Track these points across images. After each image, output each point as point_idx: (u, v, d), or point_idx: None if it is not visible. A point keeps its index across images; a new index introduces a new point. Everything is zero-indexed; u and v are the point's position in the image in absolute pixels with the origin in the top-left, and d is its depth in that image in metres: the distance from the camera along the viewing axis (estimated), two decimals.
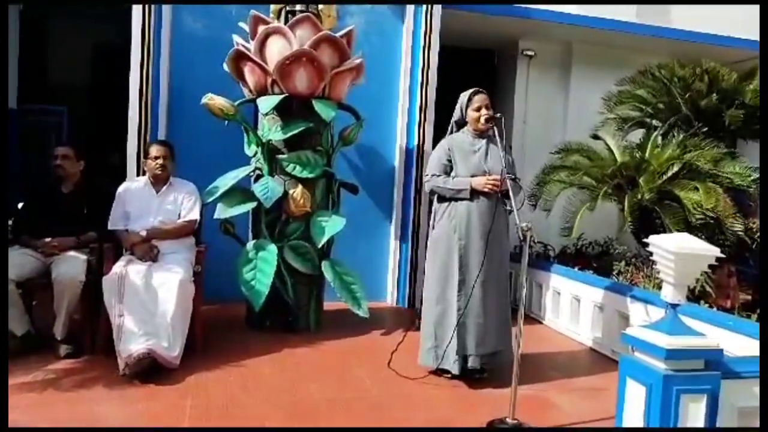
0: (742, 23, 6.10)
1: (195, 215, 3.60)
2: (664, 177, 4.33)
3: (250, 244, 3.87)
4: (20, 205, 3.64)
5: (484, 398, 2.98)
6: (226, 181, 3.85)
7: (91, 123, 6.88)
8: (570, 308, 4.37)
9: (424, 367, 3.24)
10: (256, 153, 4.02)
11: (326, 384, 3.11)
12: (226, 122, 3.87)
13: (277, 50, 3.81)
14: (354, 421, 2.67)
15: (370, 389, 3.08)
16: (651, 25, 6.06)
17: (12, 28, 5.38)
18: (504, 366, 3.13)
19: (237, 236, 4.01)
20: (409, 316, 4.45)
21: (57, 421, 2.47)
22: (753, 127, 4.82)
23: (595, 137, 5.17)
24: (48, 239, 3.36)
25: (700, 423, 2.06)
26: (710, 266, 2.27)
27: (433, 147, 3.50)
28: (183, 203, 3.58)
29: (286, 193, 3.88)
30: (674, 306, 2.17)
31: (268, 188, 3.80)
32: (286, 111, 3.91)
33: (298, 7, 4.00)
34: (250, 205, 3.85)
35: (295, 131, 3.84)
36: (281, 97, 3.82)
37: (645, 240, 2.36)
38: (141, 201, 3.52)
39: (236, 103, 3.87)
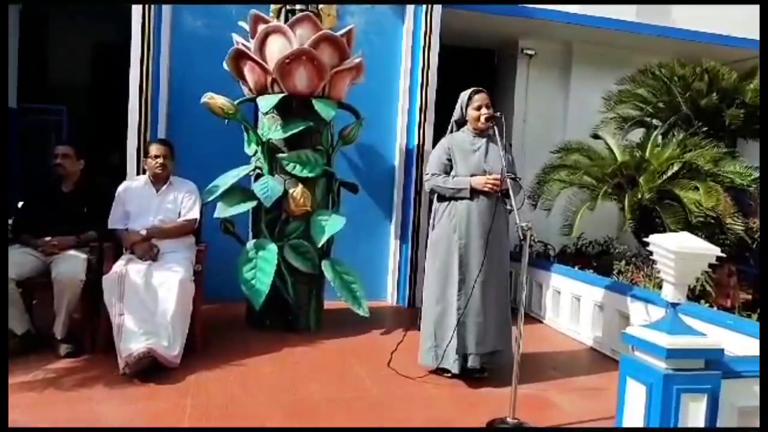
0: (743, 23, 6.10)
1: (195, 214, 3.60)
2: (665, 176, 4.33)
3: (251, 244, 3.87)
4: (20, 204, 3.64)
5: (484, 398, 2.98)
6: (226, 180, 3.85)
7: (91, 122, 6.89)
8: (570, 308, 4.37)
9: (424, 366, 3.24)
10: (256, 152, 4.02)
11: (326, 383, 3.11)
12: (226, 121, 3.87)
13: (277, 49, 3.81)
14: (354, 420, 2.67)
15: (370, 389, 3.08)
16: (651, 25, 6.06)
17: (12, 28, 5.37)
18: (504, 365, 3.13)
19: (237, 235, 4.01)
20: (409, 316, 4.44)
21: (57, 421, 2.47)
22: (753, 126, 4.82)
23: (596, 136, 5.17)
24: (48, 238, 3.36)
25: (701, 422, 2.05)
26: (710, 265, 2.26)
27: (433, 147, 3.50)
28: (183, 202, 3.58)
29: (286, 192, 3.88)
30: (674, 305, 2.17)
31: (268, 187, 3.80)
32: (286, 110, 3.91)
33: (298, 6, 4.00)
34: (250, 205, 3.85)
35: (295, 130, 3.84)
36: (281, 96, 3.81)
37: (645, 239, 2.36)
38: (141, 200, 3.52)
39: (236, 102, 3.87)
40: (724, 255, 2.29)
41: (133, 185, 3.62)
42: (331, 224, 3.87)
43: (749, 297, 4.62)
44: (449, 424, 2.72)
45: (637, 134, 5.18)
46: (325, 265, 3.96)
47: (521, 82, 6.56)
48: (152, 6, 4.38)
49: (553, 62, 6.61)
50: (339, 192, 4.26)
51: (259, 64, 3.85)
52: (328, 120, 3.96)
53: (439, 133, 3.77)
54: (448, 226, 3.18)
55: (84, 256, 3.37)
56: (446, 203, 3.22)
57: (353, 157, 5.03)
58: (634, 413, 2.13)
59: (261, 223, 3.97)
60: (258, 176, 4.01)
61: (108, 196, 3.54)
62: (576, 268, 4.57)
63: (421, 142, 4.98)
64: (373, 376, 3.23)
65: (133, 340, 2.95)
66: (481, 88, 3.28)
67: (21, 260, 3.25)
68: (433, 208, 3.35)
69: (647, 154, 4.57)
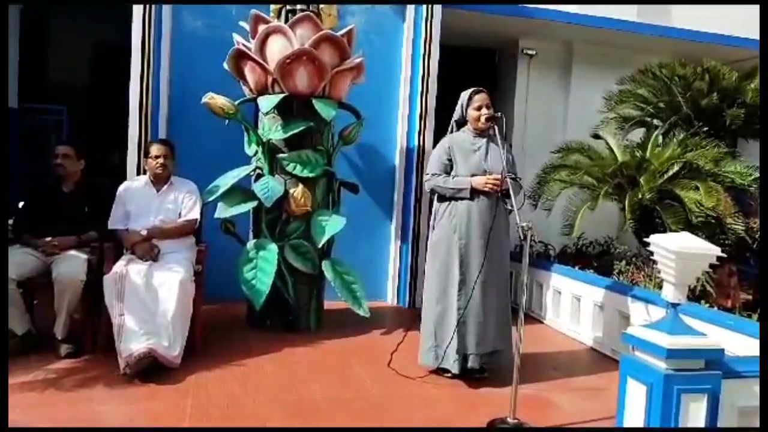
0: (743, 23, 6.09)
1: (195, 214, 3.60)
2: (665, 176, 4.32)
3: (251, 244, 3.87)
4: (21, 205, 3.64)
5: (484, 398, 2.98)
6: (227, 180, 3.85)
7: (91, 122, 6.89)
8: (570, 308, 4.37)
9: (424, 366, 3.24)
10: (256, 152, 4.02)
11: (327, 383, 3.11)
12: (227, 121, 3.87)
13: (277, 49, 3.81)
14: (354, 420, 2.67)
15: (370, 389, 3.08)
16: (652, 25, 6.06)
17: (12, 28, 5.37)
18: (504, 365, 3.13)
19: (237, 235, 4.01)
20: (409, 316, 4.44)
21: (57, 421, 2.47)
22: (754, 126, 4.82)
23: (596, 136, 5.16)
24: (48, 238, 3.36)
25: (701, 423, 2.05)
26: (711, 266, 2.27)
27: (434, 148, 3.49)
28: (183, 202, 3.58)
29: (286, 193, 3.88)
30: (675, 305, 2.17)
31: (269, 187, 3.80)
32: (286, 110, 3.91)
33: (298, 6, 4.00)
34: (250, 205, 3.85)
35: (296, 130, 3.84)
36: (282, 96, 3.81)
37: (646, 239, 2.36)
38: (141, 200, 3.52)
39: (237, 102, 3.87)
40: (724, 255, 2.29)
41: (134, 185, 3.62)
42: (332, 224, 3.87)
43: (749, 297, 4.62)
44: (449, 424, 2.72)
45: (637, 134, 5.18)
46: (326, 266, 3.96)
47: (522, 82, 6.56)
48: (152, 6, 4.38)
49: (554, 62, 6.61)
50: (339, 192, 4.26)
51: (259, 64, 3.85)
52: (328, 120, 3.96)
53: (439, 135, 3.76)
54: (449, 226, 3.18)
55: (84, 256, 3.37)
56: (446, 203, 3.22)
57: (354, 157, 5.03)
58: (635, 413, 2.13)
59: (261, 223, 3.97)
60: (258, 176, 4.01)
61: (108, 196, 3.54)
62: (576, 268, 4.57)
63: (420, 149, 4.97)
64: (373, 376, 3.23)
65: (134, 340, 2.95)
66: (481, 88, 3.28)
67: (21, 260, 3.26)
68: (433, 208, 3.35)
69: (648, 154, 4.57)
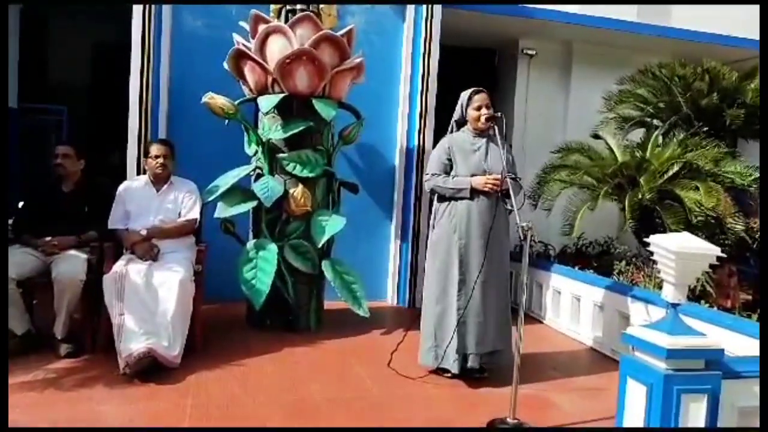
0: (743, 23, 6.09)
1: (195, 214, 3.60)
2: (665, 176, 4.32)
3: (251, 244, 3.87)
4: (21, 205, 3.64)
5: (484, 398, 2.98)
6: (227, 180, 3.85)
7: (91, 122, 6.89)
8: (570, 308, 4.37)
9: (424, 366, 3.24)
10: (256, 152, 4.02)
11: (326, 383, 3.11)
12: (227, 121, 3.87)
13: (277, 49, 3.81)
14: (354, 420, 2.67)
15: (370, 389, 3.08)
16: (652, 25, 6.06)
17: (12, 28, 5.37)
18: (504, 365, 3.13)
19: (237, 235, 4.01)
20: (409, 316, 4.44)
21: (57, 421, 2.47)
22: (754, 126, 4.82)
23: (596, 137, 5.16)
24: (48, 238, 3.36)
25: (701, 423, 2.05)
26: (711, 266, 2.27)
27: (434, 148, 3.49)
28: (183, 202, 3.58)
29: (286, 193, 3.88)
30: (675, 306, 2.17)
31: (269, 187, 3.80)
32: (286, 110, 3.91)
33: (298, 6, 4.00)
34: (250, 205, 3.85)
35: (296, 130, 3.83)
36: (281, 96, 3.81)
37: (646, 239, 2.35)
38: (141, 200, 3.52)
39: (236, 102, 3.87)
40: (724, 255, 2.29)
41: (134, 185, 3.62)
42: (332, 224, 3.87)
43: (749, 297, 4.62)
44: (449, 424, 2.72)
45: (637, 134, 5.18)
46: (326, 265, 3.96)
47: (521, 82, 6.56)
48: (152, 6, 4.38)
49: (554, 62, 6.61)
50: (339, 192, 4.26)
51: (259, 64, 3.85)
52: (328, 120, 3.96)
53: (439, 135, 3.77)
54: (448, 226, 3.18)
55: (84, 256, 3.37)
56: (446, 203, 3.22)
57: (353, 157, 5.03)
58: (635, 413, 2.13)
59: (261, 223, 3.97)
60: (258, 176, 4.01)
61: (108, 196, 3.54)
62: (576, 268, 4.57)
63: (420, 148, 4.97)
64: (373, 376, 3.23)
65: (134, 340, 2.95)
66: (481, 89, 3.28)
67: (21, 260, 3.25)
68: (433, 208, 3.35)
69: (648, 154, 4.57)
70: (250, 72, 3.94)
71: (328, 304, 4.25)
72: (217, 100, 3.78)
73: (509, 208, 3.08)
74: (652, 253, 2.26)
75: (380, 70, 4.92)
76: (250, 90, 4.05)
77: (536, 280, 4.87)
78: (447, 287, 3.16)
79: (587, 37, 6.26)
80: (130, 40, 4.37)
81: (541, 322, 4.73)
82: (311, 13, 3.93)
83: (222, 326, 3.96)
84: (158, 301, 3.11)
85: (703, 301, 3.67)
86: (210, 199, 3.77)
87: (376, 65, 4.76)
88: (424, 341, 3.24)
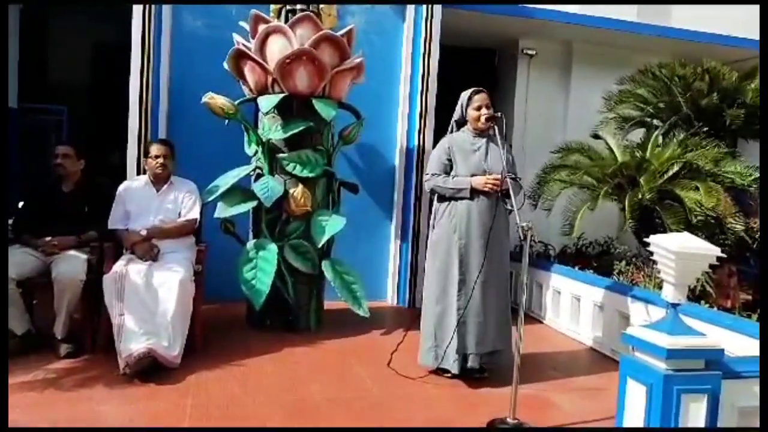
0: (743, 23, 6.09)
1: (195, 214, 3.60)
2: (665, 176, 4.32)
3: (251, 244, 3.87)
4: (20, 205, 3.64)
5: (484, 398, 2.98)
6: (227, 180, 3.85)
7: (91, 123, 6.89)
8: (570, 308, 4.37)
9: (424, 366, 3.24)
10: (256, 152, 4.02)
11: (326, 383, 3.11)
12: (227, 121, 3.87)
13: (277, 49, 3.81)
14: (354, 420, 2.67)
15: (370, 389, 3.08)
16: (652, 25, 6.06)
17: (12, 28, 5.37)
18: (504, 365, 3.13)
19: (237, 235, 4.01)
20: (409, 316, 4.44)
21: (57, 421, 2.47)
22: (754, 126, 4.82)
23: (596, 137, 5.16)
24: (48, 238, 3.36)
25: (701, 423, 2.06)
26: (711, 266, 2.26)
27: (434, 148, 3.50)
28: (183, 202, 3.58)
29: (286, 193, 3.88)
30: (675, 306, 2.17)
31: (269, 187, 3.80)
32: (286, 110, 3.91)
33: (298, 6, 4.00)
34: (250, 205, 3.85)
35: (296, 130, 3.84)
36: (281, 96, 3.81)
37: (646, 239, 2.35)
38: (141, 200, 3.52)
39: (236, 102, 3.87)
40: (724, 255, 2.29)
41: (134, 185, 3.62)
42: (332, 224, 3.87)
43: (749, 297, 4.61)
44: (449, 424, 2.72)
45: (637, 134, 5.18)
46: (326, 265, 3.96)
47: (522, 82, 6.56)
48: (152, 6, 4.38)
49: (554, 62, 6.61)
50: (339, 192, 4.26)
51: (259, 64, 3.85)
52: (328, 120, 3.96)
53: (439, 135, 3.77)
54: (448, 226, 3.18)
55: (84, 256, 3.37)
56: (446, 203, 3.22)
57: (353, 157, 5.03)
58: (635, 413, 2.13)
59: (261, 223, 3.97)
60: (258, 176, 4.01)
61: (108, 196, 3.54)
62: (576, 268, 4.57)
63: (420, 148, 4.97)
64: (373, 376, 3.23)
65: (134, 340, 2.95)
66: (481, 89, 3.28)
67: (21, 260, 3.26)
68: (433, 208, 3.35)
69: (648, 154, 4.57)
70: (250, 72, 3.94)
71: (328, 304, 4.25)
72: (217, 100, 3.78)
73: (509, 208, 3.08)
74: (652, 253, 2.26)
75: (380, 70, 4.92)
76: (250, 90, 4.05)
77: (536, 280, 4.87)
78: (447, 287, 3.16)
79: (587, 37, 6.26)
80: (130, 40, 4.37)
81: (541, 322, 4.73)
82: (311, 13, 3.93)
83: (222, 326, 3.96)
84: (158, 301, 3.11)
85: (703, 301, 3.67)
86: (210, 199, 3.77)
87: (376, 65, 4.77)
88: (424, 341, 3.24)
